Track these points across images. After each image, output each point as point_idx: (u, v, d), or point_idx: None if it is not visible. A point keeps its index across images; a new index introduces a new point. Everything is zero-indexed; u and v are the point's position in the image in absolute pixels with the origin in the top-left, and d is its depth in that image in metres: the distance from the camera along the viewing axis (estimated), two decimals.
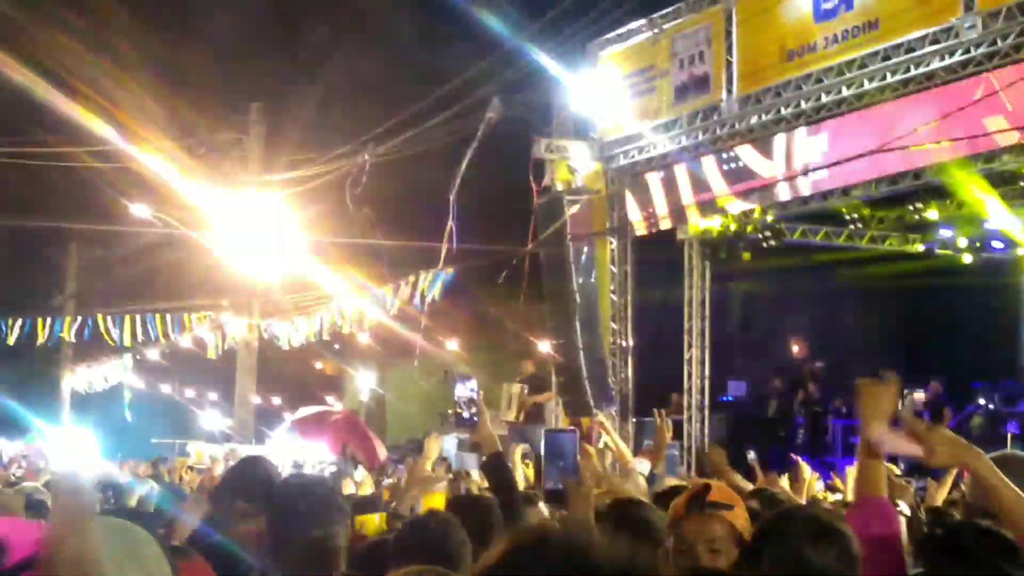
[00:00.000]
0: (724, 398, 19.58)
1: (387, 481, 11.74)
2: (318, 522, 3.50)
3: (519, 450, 8.70)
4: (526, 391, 15.31)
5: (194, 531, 4.50)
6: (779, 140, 15.13)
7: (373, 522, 5.28)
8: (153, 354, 28.26)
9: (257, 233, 20.70)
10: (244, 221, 20.71)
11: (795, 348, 21.82)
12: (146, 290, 27.03)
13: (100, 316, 26.62)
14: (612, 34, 17.00)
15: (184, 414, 31.16)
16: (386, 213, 19.41)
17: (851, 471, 9.23)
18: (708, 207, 16.42)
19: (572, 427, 14.81)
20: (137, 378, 29.99)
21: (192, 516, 4.73)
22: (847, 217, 17.15)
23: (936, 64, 13.11)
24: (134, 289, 27.26)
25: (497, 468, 4.45)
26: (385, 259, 19.65)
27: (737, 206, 16.20)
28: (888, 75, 13.60)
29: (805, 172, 14.84)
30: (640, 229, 17.36)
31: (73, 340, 28.21)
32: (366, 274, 20.82)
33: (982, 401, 16.55)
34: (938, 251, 18.03)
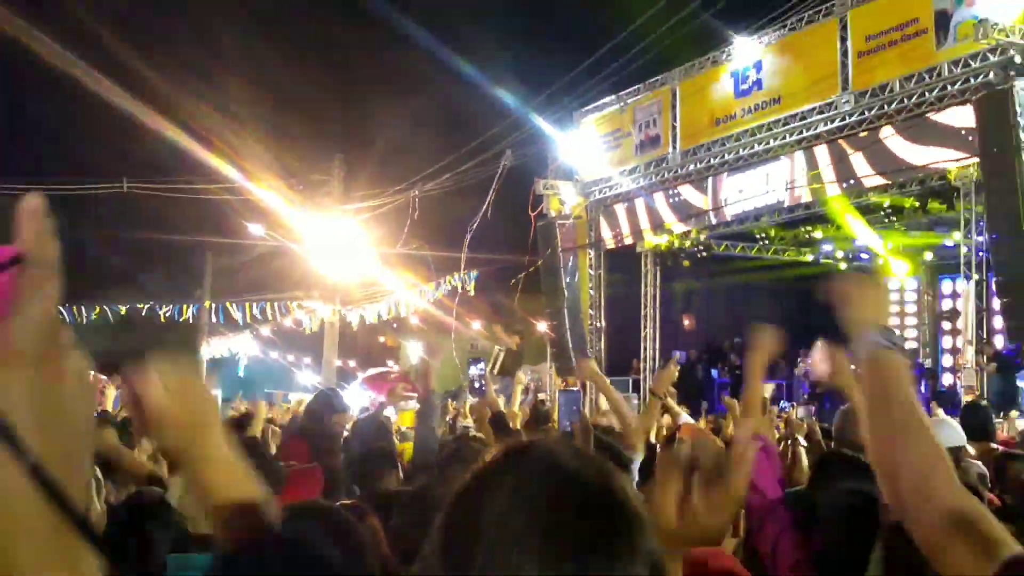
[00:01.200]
0: None
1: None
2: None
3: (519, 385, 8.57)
4: (502, 353, 17.45)
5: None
6: (710, 182, 15.18)
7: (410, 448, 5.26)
8: (265, 331, 28.35)
9: (338, 245, 20.84)
10: (329, 237, 20.85)
11: (686, 322, 20.86)
12: (260, 285, 27.12)
13: (228, 303, 26.75)
14: (591, 106, 17.04)
15: (287, 373, 31.16)
16: (431, 232, 19.66)
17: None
18: (659, 229, 16.48)
19: (577, 387, 15.22)
20: (255, 347, 30.05)
21: None
22: (757, 236, 17.13)
23: (821, 128, 13.17)
24: (252, 284, 27.35)
25: (499, 423, 4.64)
26: (429, 264, 19.87)
27: (679, 228, 16.25)
28: (787, 136, 13.64)
29: (727, 204, 14.89)
30: (610, 244, 17.44)
31: (214, 320, 28.29)
32: (416, 274, 20.97)
33: None
34: (822, 260, 18.00)
